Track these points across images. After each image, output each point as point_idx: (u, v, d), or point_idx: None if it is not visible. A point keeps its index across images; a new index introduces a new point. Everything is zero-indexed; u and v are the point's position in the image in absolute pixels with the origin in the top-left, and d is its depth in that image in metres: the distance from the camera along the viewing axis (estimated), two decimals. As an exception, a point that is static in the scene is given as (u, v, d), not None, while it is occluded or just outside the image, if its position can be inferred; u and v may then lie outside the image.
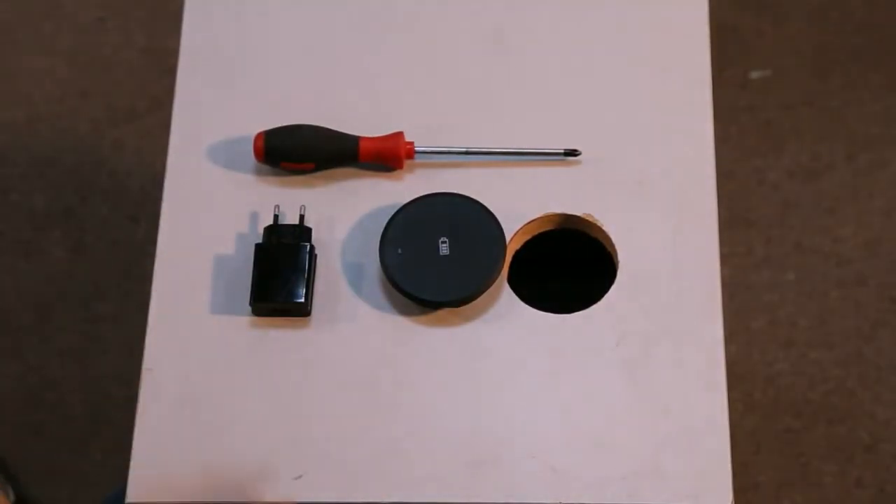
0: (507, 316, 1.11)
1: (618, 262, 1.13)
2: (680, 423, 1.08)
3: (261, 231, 1.13)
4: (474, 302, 1.11)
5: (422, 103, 1.20)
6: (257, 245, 1.12)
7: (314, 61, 1.21)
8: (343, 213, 1.15)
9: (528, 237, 1.15)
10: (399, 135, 1.16)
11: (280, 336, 1.10)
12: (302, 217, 1.14)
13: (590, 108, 1.19)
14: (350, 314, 1.12)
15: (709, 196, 1.15)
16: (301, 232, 1.13)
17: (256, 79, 1.21)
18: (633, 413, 1.08)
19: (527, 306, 1.13)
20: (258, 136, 1.15)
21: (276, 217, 1.13)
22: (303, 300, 1.10)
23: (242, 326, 1.11)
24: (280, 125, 1.16)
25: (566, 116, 1.19)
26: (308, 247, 1.12)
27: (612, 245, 1.14)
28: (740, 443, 1.83)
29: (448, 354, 1.11)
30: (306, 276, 1.11)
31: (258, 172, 1.16)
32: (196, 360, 1.09)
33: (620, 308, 1.12)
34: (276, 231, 1.13)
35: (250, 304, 1.11)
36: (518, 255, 1.14)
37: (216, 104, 1.19)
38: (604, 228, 1.14)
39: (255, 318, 1.12)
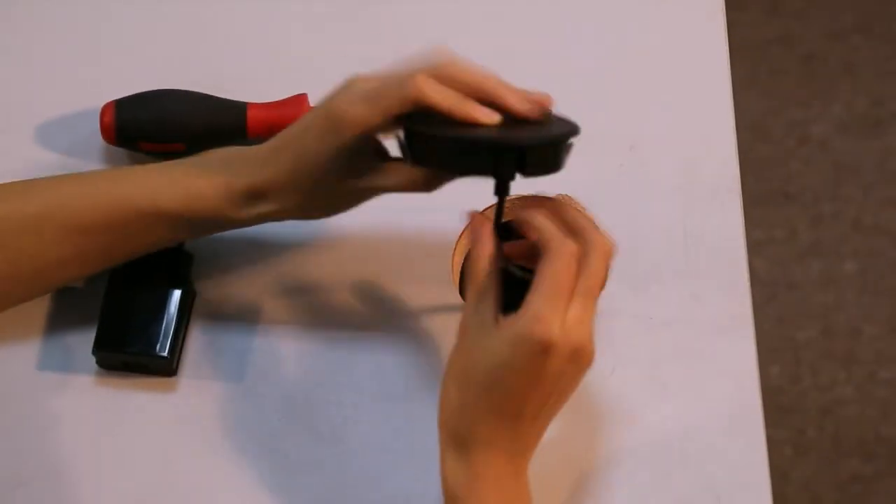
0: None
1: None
2: (701, 477, 0.98)
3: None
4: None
5: (329, 56, 1.10)
6: (113, 272, 1.00)
7: (180, 9, 1.13)
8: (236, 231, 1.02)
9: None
10: (300, 99, 1.07)
11: (136, 401, 0.98)
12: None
13: (570, 53, 1.11)
14: (233, 374, 1.00)
15: (728, 162, 1.08)
16: (176, 258, 1.01)
17: (100, 34, 1.11)
18: (636, 464, 0.98)
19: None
20: (106, 107, 1.04)
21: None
22: (166, 354, 0.98)
23: (85, 386, 1.00)
24: (135, 92, 1.06)
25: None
26: (184, 280, 1.02)
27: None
28: (791, 498, 1.68)
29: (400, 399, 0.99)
30: (175, 320, 0.99)
31: (110, 159, 1.07)
32: (22, 434, 0.98)
33: (612, 321, 1.02)
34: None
35: (93, 352, 0.99)
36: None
37: (45, 71, 1.10)
38: (586, 214, 1.01)
39: (103, 374, 1.00)
